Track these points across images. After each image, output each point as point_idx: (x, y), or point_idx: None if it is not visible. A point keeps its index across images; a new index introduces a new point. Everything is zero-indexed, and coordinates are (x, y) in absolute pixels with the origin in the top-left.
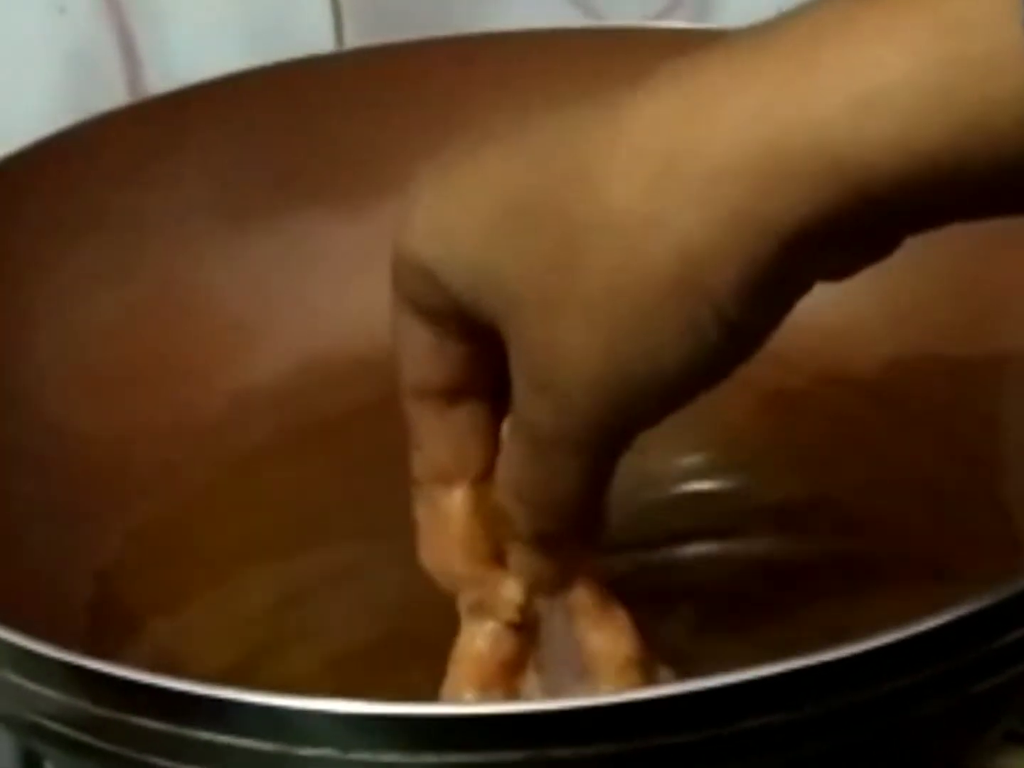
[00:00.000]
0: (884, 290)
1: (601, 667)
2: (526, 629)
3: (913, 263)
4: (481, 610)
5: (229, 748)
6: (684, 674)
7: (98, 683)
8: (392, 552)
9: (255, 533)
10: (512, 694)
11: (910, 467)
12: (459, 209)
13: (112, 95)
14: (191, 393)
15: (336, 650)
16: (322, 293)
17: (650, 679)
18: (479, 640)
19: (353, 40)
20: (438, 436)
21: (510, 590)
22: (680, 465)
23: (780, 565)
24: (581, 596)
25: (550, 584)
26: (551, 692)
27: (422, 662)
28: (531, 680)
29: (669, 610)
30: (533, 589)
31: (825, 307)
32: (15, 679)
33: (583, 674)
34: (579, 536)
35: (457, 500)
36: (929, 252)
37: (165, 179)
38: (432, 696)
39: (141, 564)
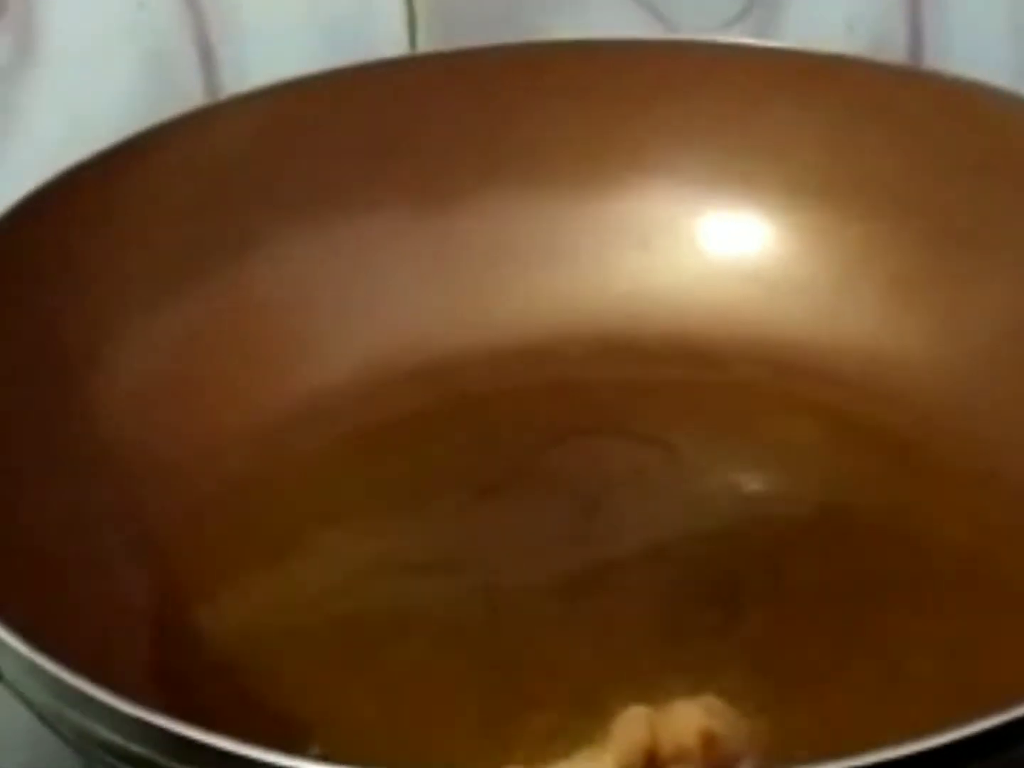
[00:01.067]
0: None
1: None
2: None
3: None
4: None
5: None
6: None
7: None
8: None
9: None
10: None
11: None
12: None
13: (188, 93)
14: (256, 400)
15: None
16: (383, 300)
17: None
18: None
19: (426, 44)
20: None
21: None
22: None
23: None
24: None
25: None
26: None
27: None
28: None
29: None
30: None
31: None
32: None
33: None
34: None
35: None
36: None
37: (236, 182)
38: None
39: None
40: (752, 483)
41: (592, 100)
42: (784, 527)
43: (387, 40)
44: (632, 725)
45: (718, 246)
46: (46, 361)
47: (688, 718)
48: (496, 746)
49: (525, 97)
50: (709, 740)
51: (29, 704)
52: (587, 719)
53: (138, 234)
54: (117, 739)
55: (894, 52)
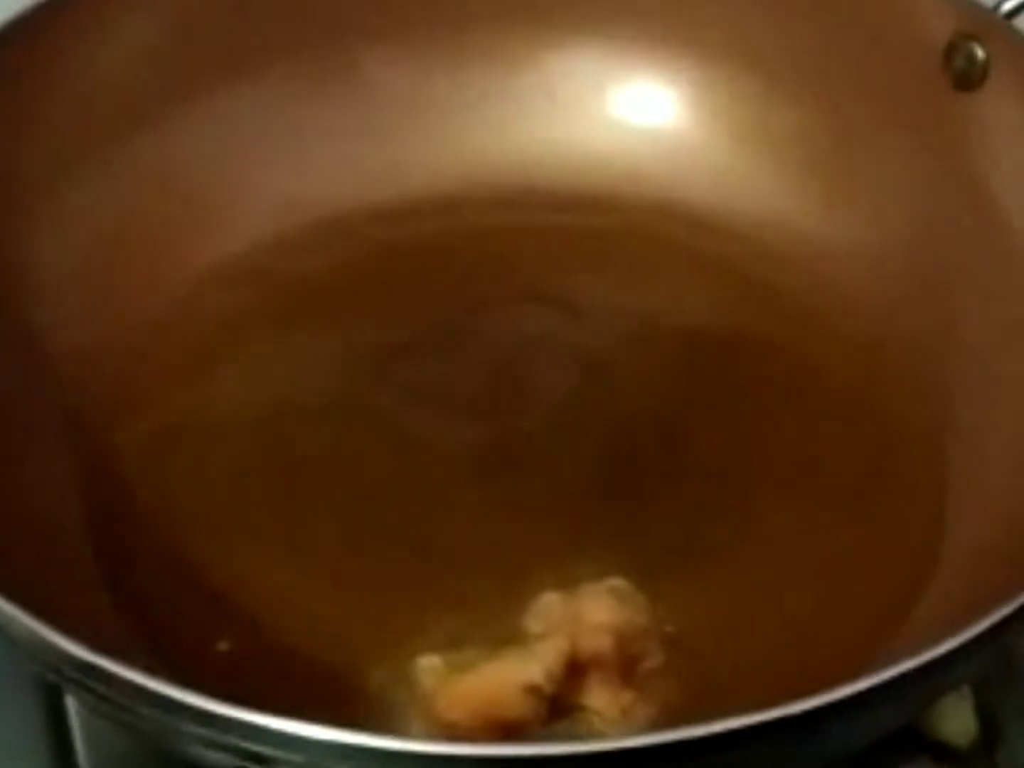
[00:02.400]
0: None
1: None
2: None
3: None
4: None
5: None
6: None
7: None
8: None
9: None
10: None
11: None
12: None
13: None
14: (172, 267)
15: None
16: (294, 157)
17: None
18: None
19: None
20: None
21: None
22: None
23: None
24: None
25: None
26: None
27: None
28: None
29: None
30: None
31: None
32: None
33: None
34: None
35: None
36: None
37: (151, 46)
38: None
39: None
40: (648, 344)
41: None
42: (679, 387)
43: None
44: (549, 620)
45: (626, 107)
46: None
47: (599, 608)
48: (410, 629)
49: None
50: (622, 641)
51: None
52: (500, 600)
53: (53, 102)
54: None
55: None
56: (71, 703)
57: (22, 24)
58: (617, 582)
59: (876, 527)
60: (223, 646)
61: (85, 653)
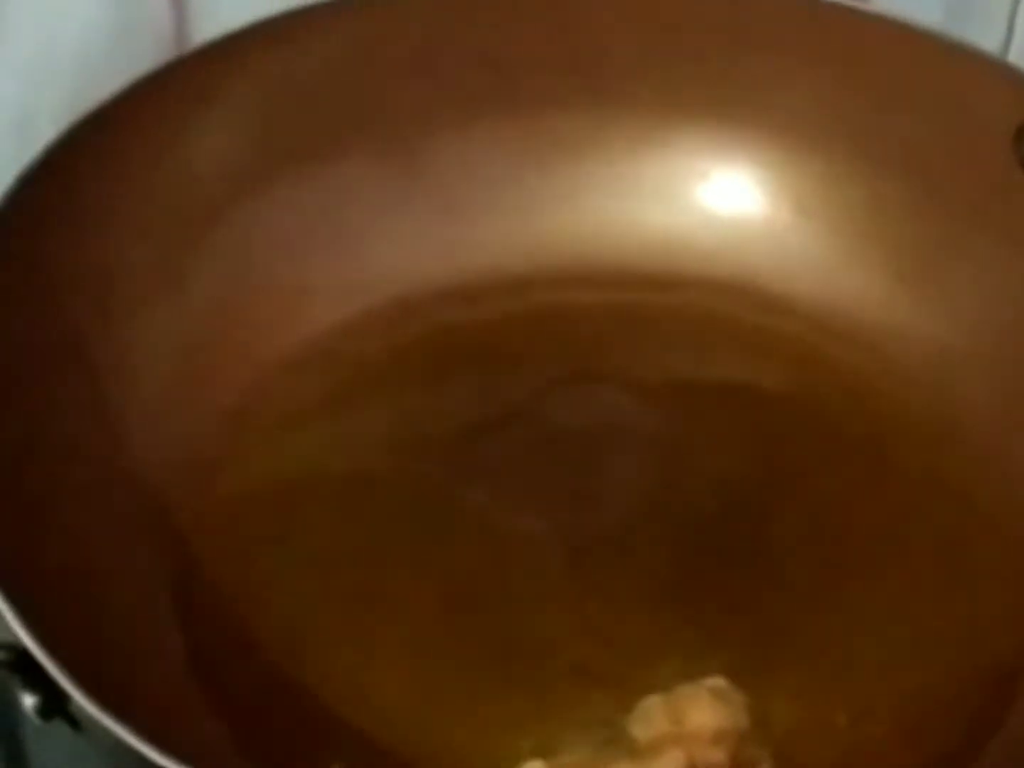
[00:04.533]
0: None
1: None
2: None
3: None
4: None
5: None
6: None
7: None
8: None
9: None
10: None
11: None
12: None
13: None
14: (244, 356)
15: None
16: (354, 240)
17: None
18: None
19: None
20: None
21: None
22: None
23: None
24: None
25: None
26: None
27: None
28: None
29: None
30: None
31: None
32: None
33: None
34: None
35: None
36: None
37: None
38: None
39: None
40: (719, 424)
41: (571, 30)
42: (754, 468)
43: None
44: (652, 724)
45: (692, 187)
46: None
47: (704, 711)
48: (511, 735)
49: (500, 24)
50: (734, 751)
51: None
52: (598, 702)
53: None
54: None
55: None
56: None
57: (100, 122)
58: (717, 681)
59: (969, 622)
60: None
61: None
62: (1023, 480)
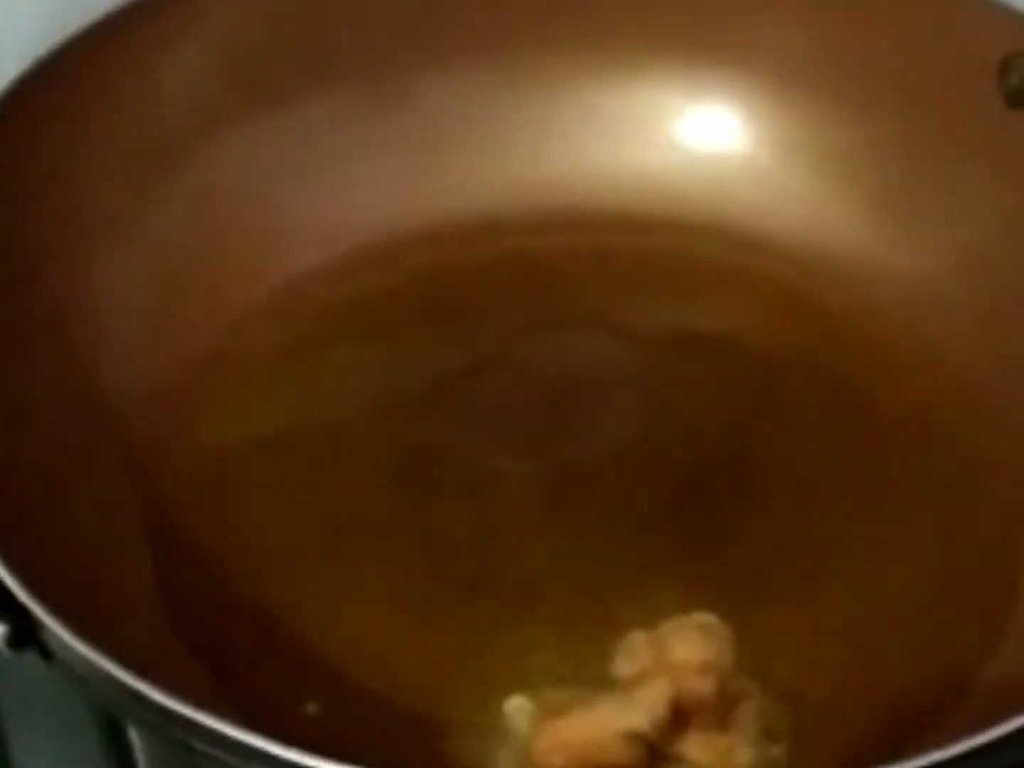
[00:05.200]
0: None
1: None
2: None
3: None
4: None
5: None
6: None
7: None
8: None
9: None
10: None
11: None
12: None
13: None
14: (221, 298)
15: None
16: (332, 182)
17: None
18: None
19: None
20: None
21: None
22: None
23: None
24: None
25: None
26: None
27: None
28: None
29: None
30: None
31: None
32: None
33: None
34: None
35: None
36: None
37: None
38: None
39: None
40: (703, 364)
41: None
42: (739, 408)
43: None
44: (638, 660)
45: (671, 128)
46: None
47: (689, 646)
48: (495, 673)
49: None
50: (722, 683)
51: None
52: (584, 639)
53: (101, 138)
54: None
55: None
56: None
57: (65, 59)
58: (703, 616)
59: (955, 556)
60: (310, 707)
61: (168, 701)
62: (1009, 418)
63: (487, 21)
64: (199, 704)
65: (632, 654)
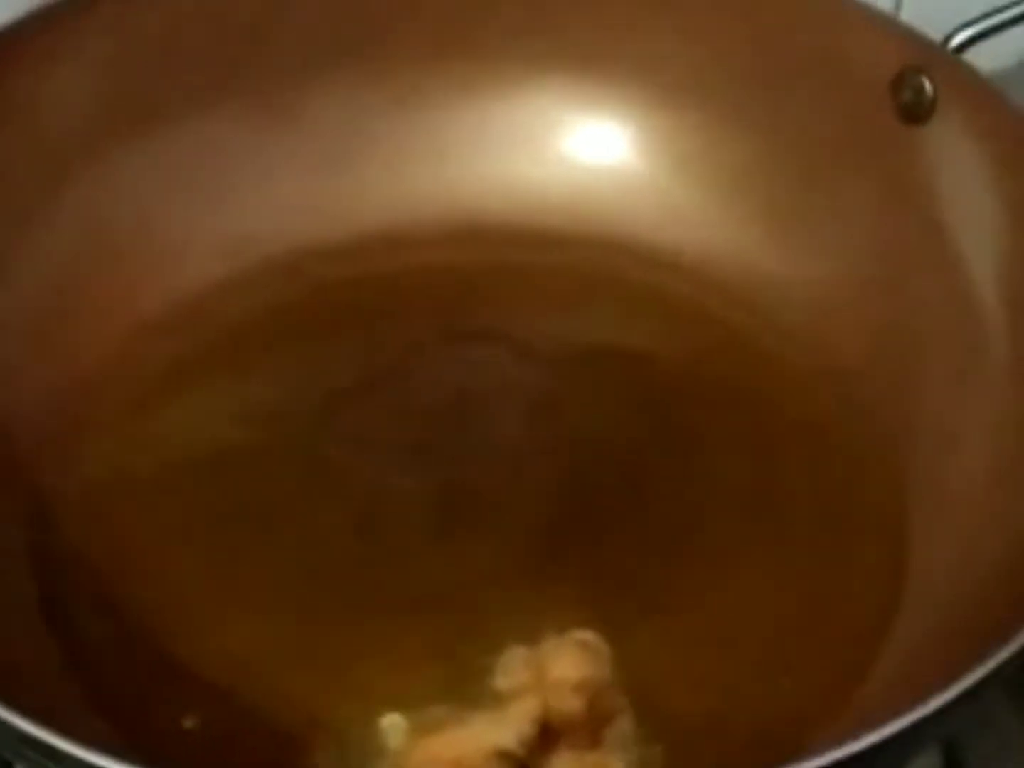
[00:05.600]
0: None
1: None
2: None
3: None
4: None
5: None
6: None
7: None
8: None
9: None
10: None
11: None
12: None
13: None
14: (117, 314)
15: None
16: (238, 195)
17: None
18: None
19: None
20: None
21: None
22: None
23: None
24: None
25: None
26: None
27: None
28: None
29: None
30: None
31: None
32: None
33: None
34: None
35: None
36: None
37: (62, 86)
38: None
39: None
40: (598, 381)
41: None
42: (632, 426)
43: None
44: (516, 676)
45: (573, 144)
46: None
47: (567, 663)
48: (373, 690)
49: None
50: (591, 701)
51: None
52: (464, 656)
53: None
54: None
55: None
56: None
57: None
58: (583, 634)
59: (838, 572)
60: (188, 722)
61: (45, 734)
62: (901, 424)
63: (377, 37)
64: (71, 721)
65: (511, 671)
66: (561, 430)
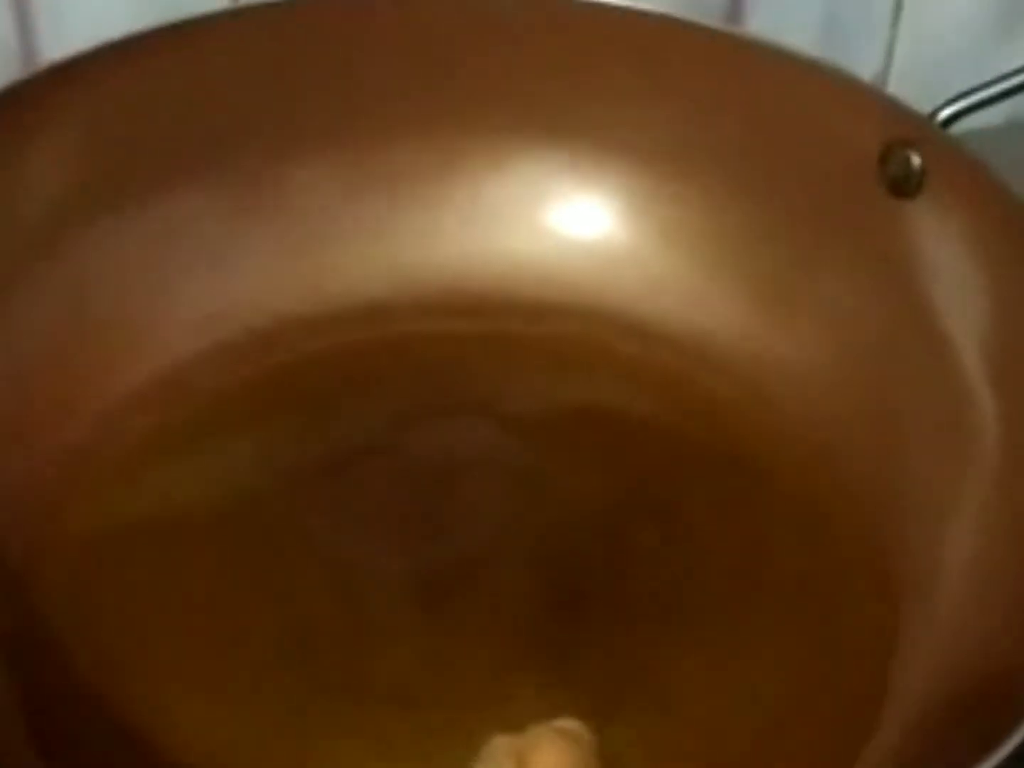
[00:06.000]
0: None
1: None
2: None
3: None
4: None
5: None
6: None
7: None
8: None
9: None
10: None
11: None
12: None
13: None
14: (93, 389)
15: None
16: (210, 271)
17: None
18: None
19: None
20: None
21: None
22: None
23: None
24: None
25: None
26: None
27: None
28: None
29: None
30: None
31: None
32: None
33: None
34: None
35: None
36: None
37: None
38: None
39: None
40: (583, 453)
41: (419, 56)
42: (618, 499)
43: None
44: (501, 762)
45: (555, 215)
46: None
47: (551, 752)
48: None
49: (346, 52)
50: None
51: None
52: (445, 744)
53: None
54: None
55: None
56: None
57: None
58: (567, 723)
59: (826, 658)
60: None
61: None
62: (888, 504)
63: (360, 113)
64: None
65: (493, 759)
66: (547, 503)
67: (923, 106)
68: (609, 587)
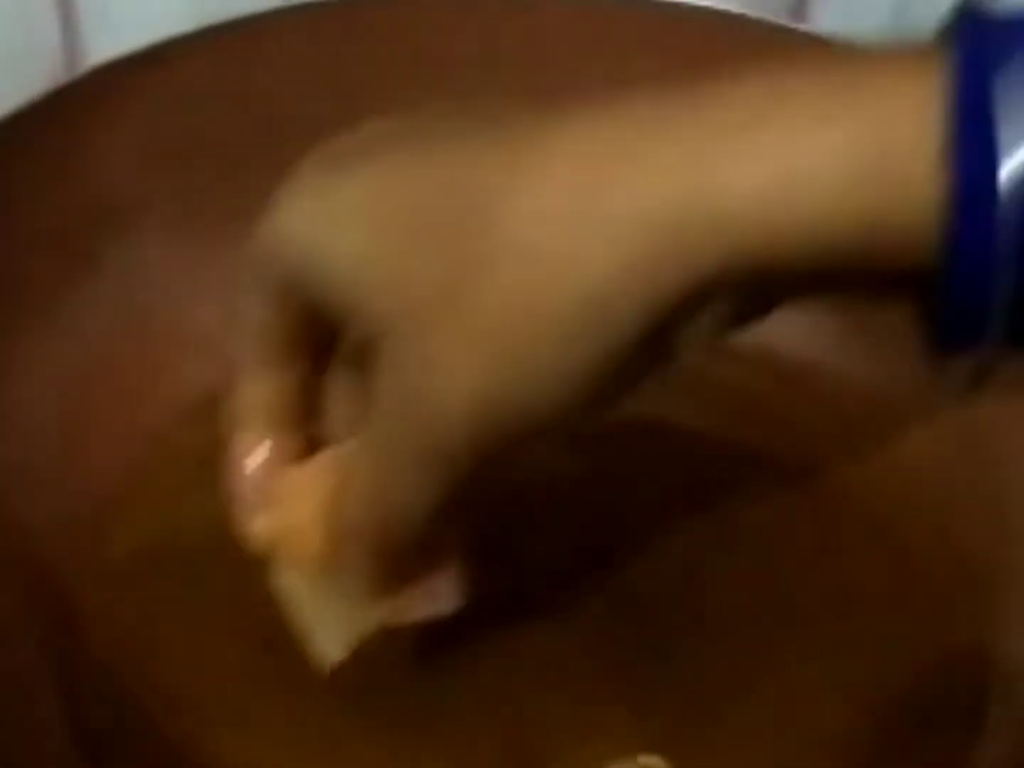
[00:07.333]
0: None
1: None
2: None
3: None
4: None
5: None
6: None
7: None
8: None
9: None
10: None
11: None
12: (349, 207)
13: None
14: (145, 406)
15: None
16: None
17: None
18: None
19: None
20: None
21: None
22: None
23: None
24: None
25: None
26: None
27: None
28: None
29: None
30: None
31: None
32: None
33: None
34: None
35: None
36: None
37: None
38: None
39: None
40: (653, 471)
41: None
42: (689, 518)
43: None
44: None
45: None
46: None
47: None
48: None
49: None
50: None
51: None
52: None
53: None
54: None
55: None
56: None
57: None
58: (651, 759)
59: (914, 687)
60: None
61: None
62: (961, 529)
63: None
64: None
65: None
66: (612, 522)
67: None
68: (687, 618)
